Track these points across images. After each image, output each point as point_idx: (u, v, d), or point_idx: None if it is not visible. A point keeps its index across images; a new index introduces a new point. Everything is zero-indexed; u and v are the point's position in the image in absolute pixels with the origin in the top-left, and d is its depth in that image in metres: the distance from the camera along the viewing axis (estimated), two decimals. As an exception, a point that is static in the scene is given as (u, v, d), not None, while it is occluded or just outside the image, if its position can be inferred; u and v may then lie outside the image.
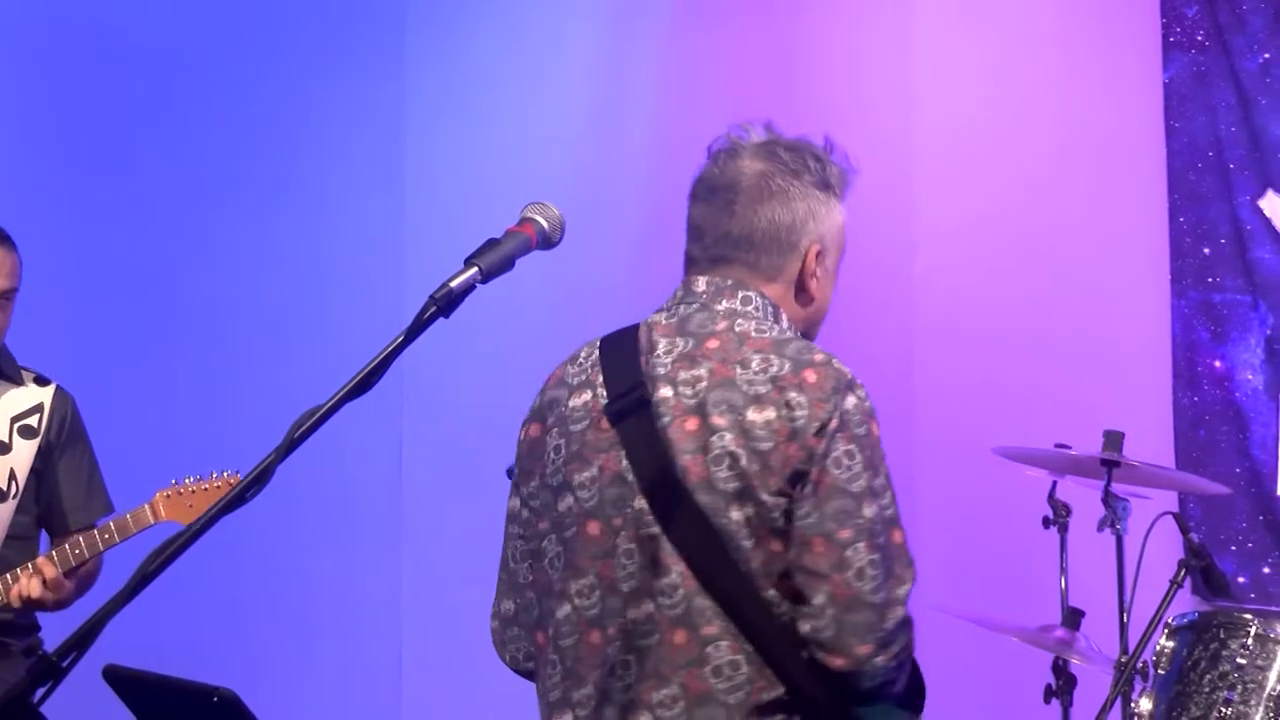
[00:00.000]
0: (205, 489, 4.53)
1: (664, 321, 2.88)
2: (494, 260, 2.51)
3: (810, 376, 2.72)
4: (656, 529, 2.74)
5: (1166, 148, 5.89)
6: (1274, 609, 5.47)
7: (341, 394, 2.34)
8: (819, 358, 2.76)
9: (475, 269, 2.48)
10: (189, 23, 6.08)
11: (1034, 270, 5.95)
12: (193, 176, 6.02)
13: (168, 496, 4.51)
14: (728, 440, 2.71)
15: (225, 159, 6.09)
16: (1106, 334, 5.92)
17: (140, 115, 5.97)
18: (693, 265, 2.95)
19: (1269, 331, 5.65)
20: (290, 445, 2.30)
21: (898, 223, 5.97)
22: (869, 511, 2.70)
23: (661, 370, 2.80)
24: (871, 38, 6.14)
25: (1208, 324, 5.76)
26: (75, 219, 5.85)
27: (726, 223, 2.89)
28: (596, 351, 2.93)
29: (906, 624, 2.76)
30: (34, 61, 5.94)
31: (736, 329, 2.80)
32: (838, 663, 2.71)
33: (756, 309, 2.85)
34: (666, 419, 2.76)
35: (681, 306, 2.89)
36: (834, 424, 2.70)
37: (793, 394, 2.71)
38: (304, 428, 2.31)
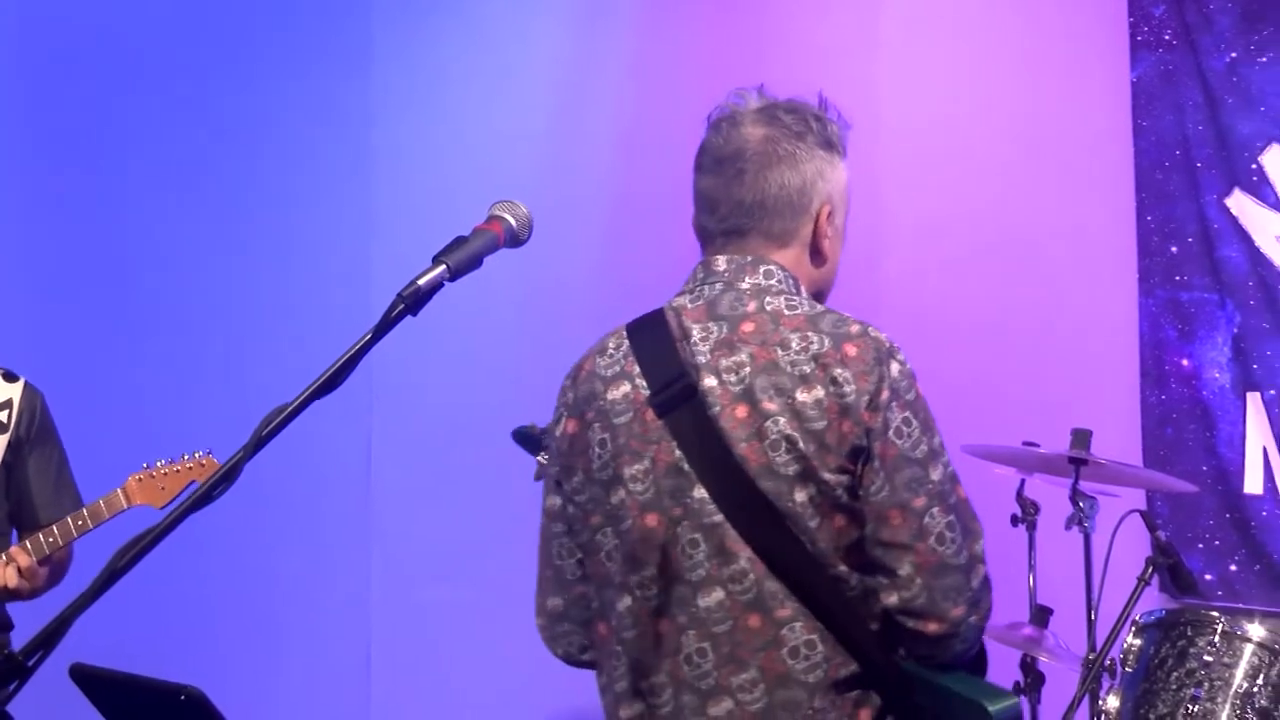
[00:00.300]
0: (177, 471, 4.54)
1: (690, 305, 2.89)
2: (462, 258, 2.50)
3: (851, 350, 2.74)
4: (720, 517, 2.77)
5: (1134, 146, 5.89)
6: (1241, 606, 5.49)
7: (309, 392, 2.33)
8: (855, 329, 2.78)
9: (443, 267, 2.47)
10: (156, 20, 6.06)
11: (1002, 269, 5.96)
12: (161, 173, 6.00)
13: (139, 480, 4.52)
14: (782, 424, 2.72)
15: (194, 155, 6.07)
16: (1074, 332, 5.93)
17: (107, 112, 5.95)
18: (708, 239, 2.97)
19: (1236, 330, 5.66)
20: (258, 444, 2.30)
21: (865, 221, 5.95)
22: (936, 475, 2.75)
23: (702, 359, 2.81)
24: (838, 37, 6.14)
25: (1175, 322, 5.77)
26: (42, 216, 5.83)
27: (738, 191, 2.91)
28: (626, 341, 2.92)
29: (988, 581, 2.82)
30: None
31: (768, 308, 2.82)
32: (932, 628, 2.76)
33: (779, 282, 2.87)
34: (715, 408, 2.77)
35: (705, 287, 2.90)
36: (885, 395, 2.73)
37: (837, 370, 2.72)
38: (271, 426, 2.30)
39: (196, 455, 4.57)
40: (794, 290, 2.88)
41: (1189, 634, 4.35)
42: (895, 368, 2.76)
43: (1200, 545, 5.68)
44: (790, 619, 2.75)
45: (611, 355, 2.92)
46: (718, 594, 2.77)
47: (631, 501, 2.83)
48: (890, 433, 2.72)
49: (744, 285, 2.87)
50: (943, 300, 5.95)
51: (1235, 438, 5.66)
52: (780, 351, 2.76)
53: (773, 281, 2.87)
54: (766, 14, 6.39)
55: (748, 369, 2.77)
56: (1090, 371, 5.91)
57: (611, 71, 6.41)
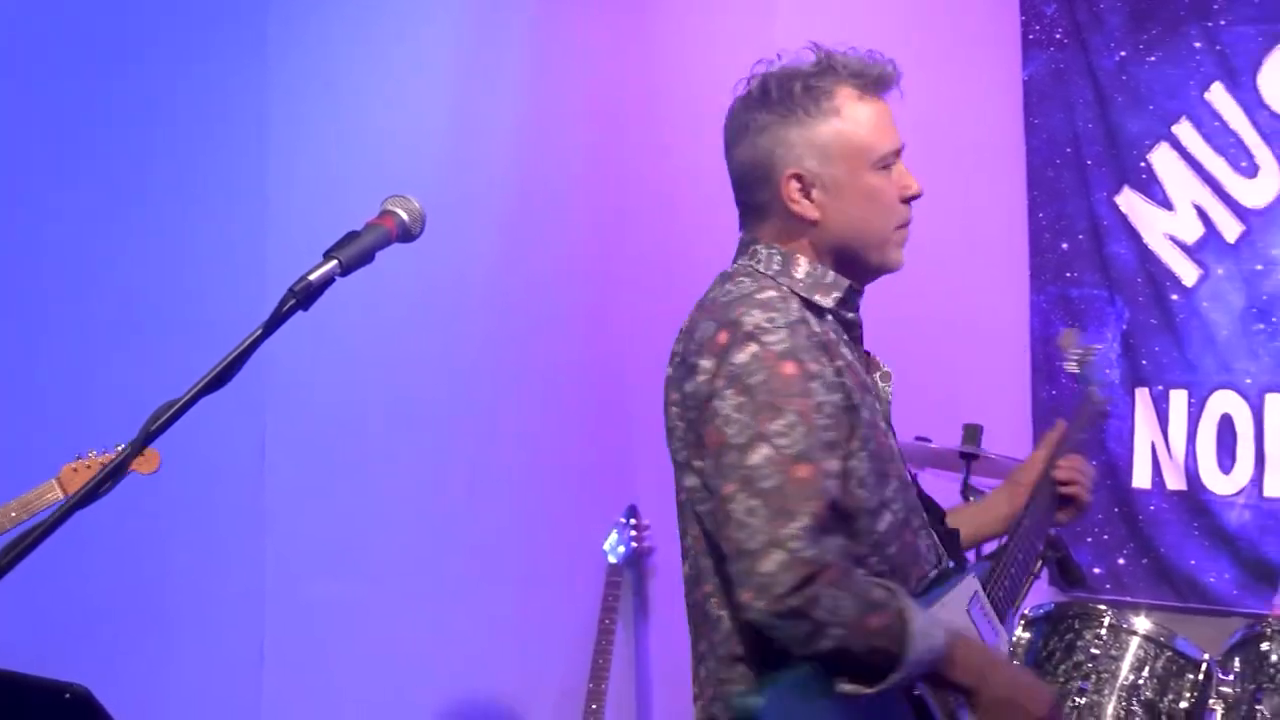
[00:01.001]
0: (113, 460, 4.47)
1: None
2: (353, 253, 2.50)
3: (722, 338, 2.77)
4: (683, 496, 2.90)
5: (1026, 144, 5.94)
6: (1128, 600, 5.56)
7: (198, 388, 2.32)
8: (734, 315, 2.79)
9: (334, 262, 2.46)
10: (45, 10, 5.99)
11: (894, 265, 5.98)
12: (51, 166, 5.93)
13: (75, 470, 4.46)
14: (673, 415, 2.86)
15: (85, 149, 6.00)
16: (966, 328, 5.97)
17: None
18: None
19: (1125, 326, 5.72)
20: (146, 439, 2.28)
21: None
22: (755, 458, 2.67)
23: (676, 348, 2.93)
24: (732, 35, 6.15)
25: (1066, 318, 5.82)
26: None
27: (728, 171, 3.01)
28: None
29: (794, 566, 2.59)
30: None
31: (712, 295, 2.89)
32: (743, 616, 2.70)
33: (759, 262, 2.92)
34: (666, 399, 2.91)
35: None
36: (720, 382, 2.74)
37: (703, 360, 2.78)
38: (160, 421, 2.29)
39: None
40: (771, 269, 2.91)
41: (1076, 627, 4.41)
42: (749, 351, 2.73)
43: (1089, 539, 5.74)
44: (710, 594, 2.86)
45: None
46: (685, 567, 2.93)
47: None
48: (718, 419, 2.72)
49: (730, 269, 2.95)
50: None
51: (1124, 432, 5.72)
52: (685, 343, 2.85)
53: (753, 262, 2.93)
54: (661, 13, 6.40)
55: (676, 360, 2.87)
56: (982, 367, 5.95)
57: (508, 69, 6.39)
